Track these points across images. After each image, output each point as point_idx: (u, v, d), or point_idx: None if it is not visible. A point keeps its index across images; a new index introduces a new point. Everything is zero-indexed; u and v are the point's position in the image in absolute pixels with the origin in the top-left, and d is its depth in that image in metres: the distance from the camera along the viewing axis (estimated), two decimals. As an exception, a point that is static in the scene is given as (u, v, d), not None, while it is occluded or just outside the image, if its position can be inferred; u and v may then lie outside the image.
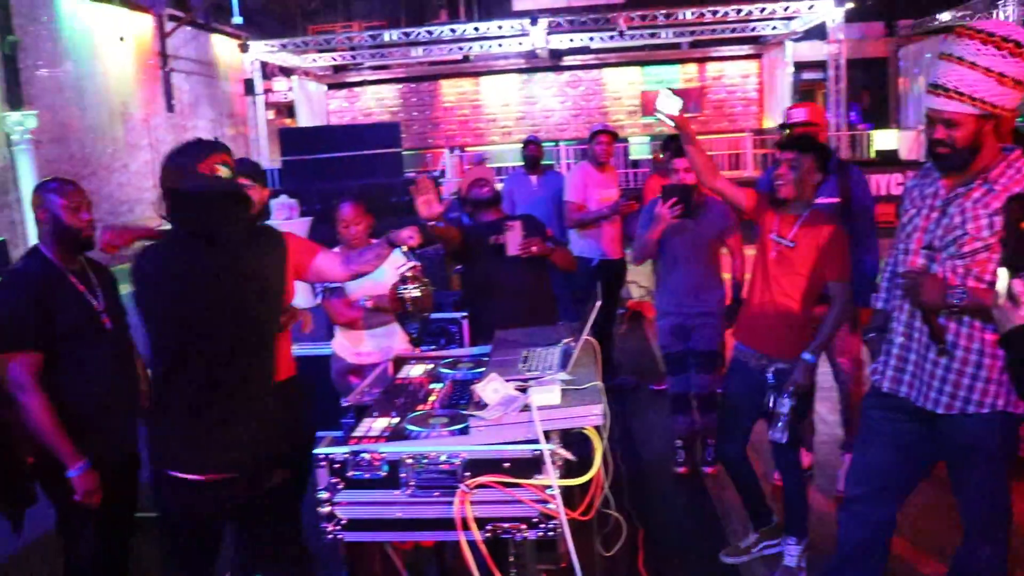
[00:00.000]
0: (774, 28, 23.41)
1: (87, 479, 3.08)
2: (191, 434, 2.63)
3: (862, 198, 4.50)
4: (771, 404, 3.65)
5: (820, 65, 23.07)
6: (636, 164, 22.56)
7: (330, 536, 2.34)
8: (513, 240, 4.40)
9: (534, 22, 22.07)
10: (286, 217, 14.07)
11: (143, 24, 20.76)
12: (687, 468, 5.10)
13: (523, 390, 2.42)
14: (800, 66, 24.82)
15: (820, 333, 3.67)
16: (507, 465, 2.26)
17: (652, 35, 23.67)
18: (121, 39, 19.55)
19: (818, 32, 22.48)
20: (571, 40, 23.90)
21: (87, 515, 3.18)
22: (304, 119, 26.19)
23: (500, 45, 24.39)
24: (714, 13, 21.62)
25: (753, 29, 23.53)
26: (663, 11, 21.68)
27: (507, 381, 2.45)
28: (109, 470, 3.20)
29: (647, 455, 5.48)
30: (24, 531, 3.33)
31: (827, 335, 3.69)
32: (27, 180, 15.88)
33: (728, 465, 4.07)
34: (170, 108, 21.64)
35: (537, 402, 2.30)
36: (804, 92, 25.27)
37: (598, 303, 2.67)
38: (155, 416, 2.74)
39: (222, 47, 24.83)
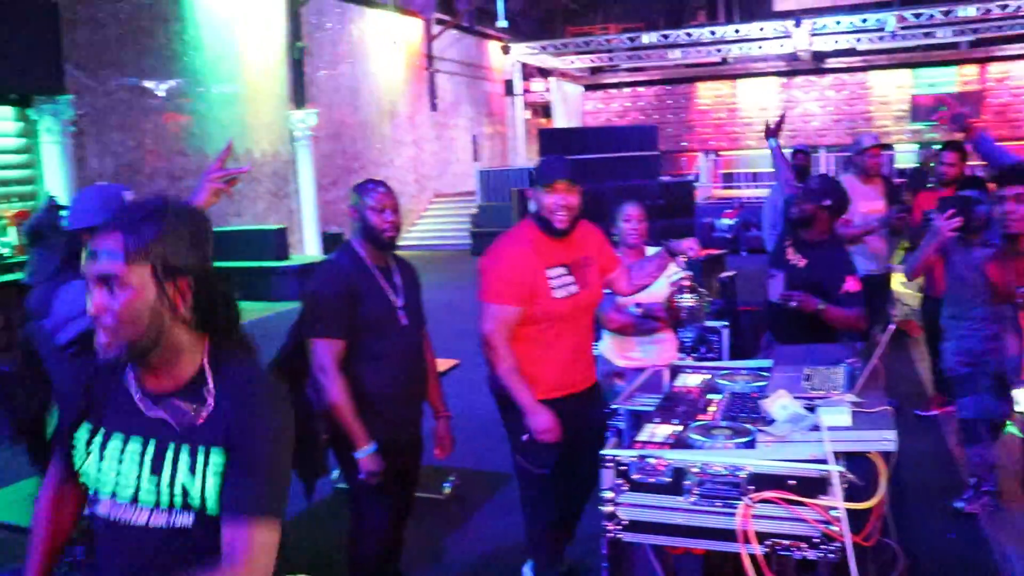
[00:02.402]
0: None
1: (372, 461, 3.30)
2: None
3: None
4: None
5: None
6: (903, 173, 21.38)
7: (610, 535, 2.43)
8: (774, 288, 4.30)
9: (798, 23, 21.40)
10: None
11: (413, 28, 21.98)
12: (977, 508, 4.65)
13: (809, 408, 2.41)
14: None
15: None
16: (792, 483, 2.26)
17: (926, 34, 22.29)
18: (394, 43, 20.81)
19: None
20: (836, 41, 22.96)
21: (374, 492, 3.41)
22: (560, 119, 26.76)
23: (760, 47, 23.83)
24: (1003, 8, 19.88)
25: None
26: (941, 8, 20.33)
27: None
28: (395, 453, 3.41)
29: (914, 484, 5.22)
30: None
31: None
32: (305, 173, 17.29)
33: None
34: (434, 107, 22.78)
35: (828, 422, 2.28)
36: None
37: (891, 327, 2.60)
38: None
39: (484, 49, 25.83)
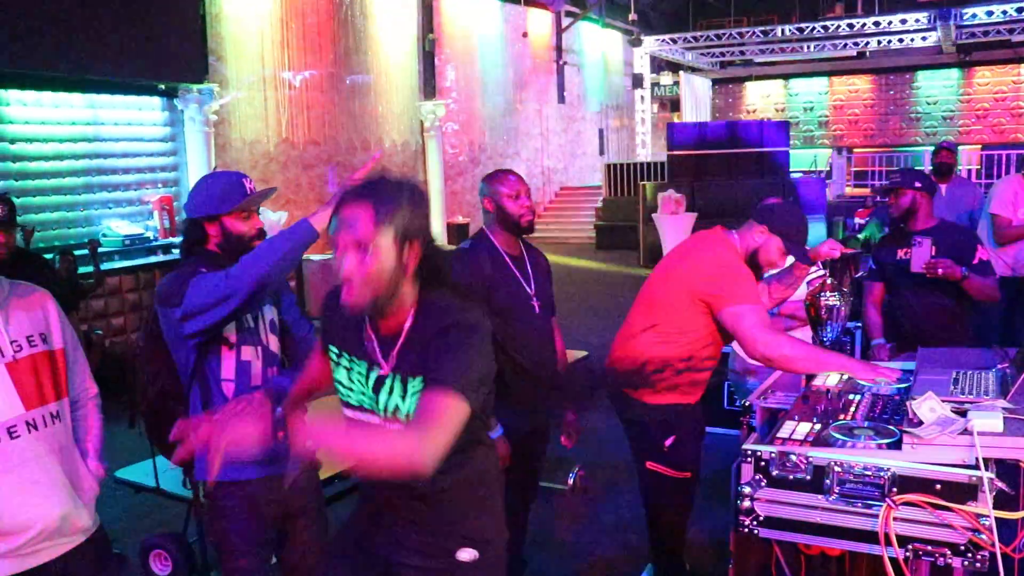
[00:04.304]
0: None
1: (499, 444, 3.26)
2: None
3: None
4: None
5: None
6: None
7: (745, 530, 2.40)
8: (919, 257, 4.17)
9: (944, 15, 20.47)
10: (671, 212, 14.27)
11: (542, 20, 22.04)
12: None
13: (958, 412, 2.33)
14: None
15: None
16: (938, 487, 2.19)
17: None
18: (524, 35, 20.91)
19: None
20: (985, 33, 21.85)
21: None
22: (688, 113, 26.39)
23: (901, 40, 22.91)
24: None
25: None
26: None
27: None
28: (521, 438, 3.44)
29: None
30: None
31: None
32: (434, 163, 17.61)
33: None
34: (561, 100, 22.78)
35: (979, 427, 2.20)
36: None
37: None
38: None
39: (612, 41, 25.71)
